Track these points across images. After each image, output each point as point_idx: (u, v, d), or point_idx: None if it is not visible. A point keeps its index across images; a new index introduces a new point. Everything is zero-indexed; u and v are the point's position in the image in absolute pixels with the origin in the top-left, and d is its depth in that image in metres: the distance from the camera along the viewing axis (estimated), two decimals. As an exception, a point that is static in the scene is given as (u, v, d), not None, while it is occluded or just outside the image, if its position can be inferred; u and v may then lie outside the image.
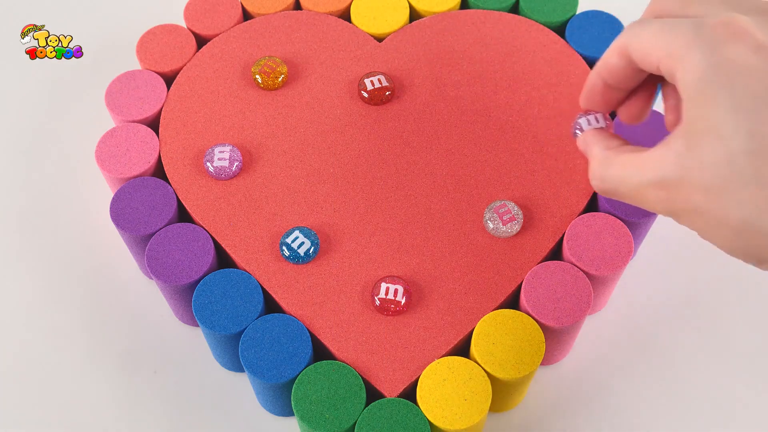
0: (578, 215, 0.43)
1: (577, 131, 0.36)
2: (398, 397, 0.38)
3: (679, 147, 0.28)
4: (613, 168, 0.32)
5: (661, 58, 0.30)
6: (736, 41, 0.28)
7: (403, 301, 0.40)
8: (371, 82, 0.46)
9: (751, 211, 0.27)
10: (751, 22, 0.28)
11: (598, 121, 0.37)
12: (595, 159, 0.34)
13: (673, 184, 0.29)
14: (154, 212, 0.42)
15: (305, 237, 0.41)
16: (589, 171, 0.34)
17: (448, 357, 0.38)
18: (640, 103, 0.36)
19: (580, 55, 0.48)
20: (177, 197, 0.43)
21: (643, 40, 0.31)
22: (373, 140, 0.46)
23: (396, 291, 0.40)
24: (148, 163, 0.44)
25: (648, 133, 0.45)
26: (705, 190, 0.28)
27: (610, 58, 0.33)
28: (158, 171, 0.45)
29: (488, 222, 0.42)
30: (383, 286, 0.40)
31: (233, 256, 0.42)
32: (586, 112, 0.37)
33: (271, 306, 0.42)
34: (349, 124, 0.46)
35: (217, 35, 0.49)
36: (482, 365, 0.38)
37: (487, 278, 0.41)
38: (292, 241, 0.41)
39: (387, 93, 0.46)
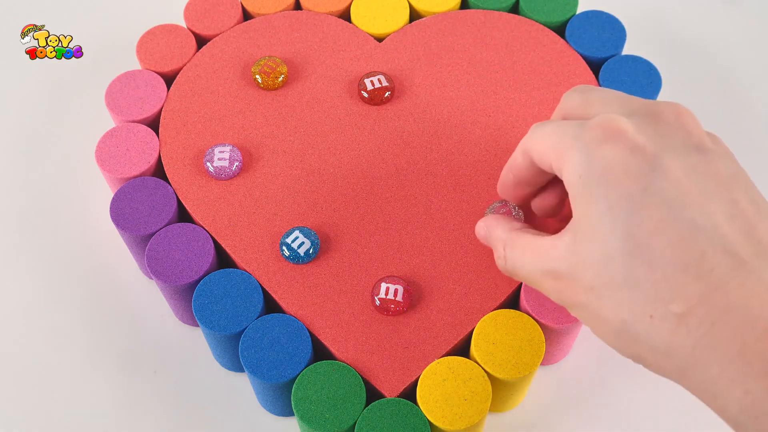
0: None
1: (488, 212, 0.39)
2: (398, 397, 0.38)
3: (568, 242, 0.29)
4: (516, 249, 0.33)
5: (552, 158, 0.31)
6: (613, 142, 0.28)
7: (403, 301, 0.40)
8: (371, 82, 0.46)
9: (627, 314, 0.27)
10: (629, 123, 0.29)
11: (505, 208, 0.39)
12: (499, 240, 0.35)
13: (563, 277, 0.30)
14: (154, 212, 0.42)
15: (305, 237, 0.41)
16: (495, 253, 0.35)
17: (448, 357, 0.38)
18: (551, 198, 0.37)
19: (580, 55, 0.48)
20: (177, 197, 0.43)
21: (538, 142, 0.32)
22: (373, 140, 0.46)
23: (396, 291, 0.40)
24: (148, 163, 0.44)
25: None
26: (588, 288, 0.28)
27: (516, 156, 0.34)
28: (158, 171, 0.45)
29: None
30: (383, 286, 0.40)
31: (233, 256, 0.42)
32: (503, 203, 0.40)
33: (271, 306, 0.42)
34: (349, 124, 0.46)
35: (217, 35, 0.49)
36: (482, 365, 0.38)
37: (487, 278, 0.41)
38: (292, 241, 0.41)
39: (387, 93, 0.46)
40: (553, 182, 0.36)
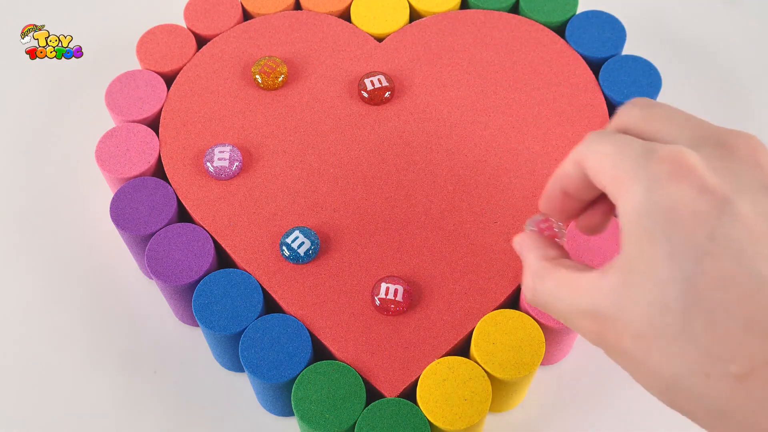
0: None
1: (525, 227, 0.35)
2: (398, 397, 0.38)
3: (615, 281, 0.27)
4: (547, 283, 0.30)
5: (608, 180, 0.28)
6: (681, 180, 0.26)
7: (402, 301, 0.40)
8: (371, 82, 0.46)
9: (679, 368, 0.25)
10: (700, 159, 0.26)
11: (548, 227, 0.35)
12: (530, 269, 0.32)
13: (605, 319, 0.27)
14: (154, 212, 0.42)
15: (305, 237, 0.41)
16: (522, 280, 0.32)
17: (448, 357, 0.38)
18: (597, 216, 0.33)
19: (580, 55, 0.48)
20: (177, 197, 0.43)
21: (596, 157, 0.29)
22: (373, 140, 0.46)
23: (396, 291, 0.40)
24: (148, 163, 0.44)
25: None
26: (636, 336, 0.26)
27: (567, 166, 0.31)
28: (158, 171, 0.45)
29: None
30: (383, 286, 0.40)
31: (233, 256, 0.42)
32: (545, 217, 0.35)
33: (271, 306, 0.42)
34: (349, 124, 0.46)
35: (217, 35, 0.49)
36: (482, 365, 0.38)
37: (487, 278, 0.41)
38: (292, 241, 0.41)
39: (387, 93, 0.46)
40: (601, 198, 0.33)
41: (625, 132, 0.31)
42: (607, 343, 0.28)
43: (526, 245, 0.33)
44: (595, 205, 0.33)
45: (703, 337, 0.25)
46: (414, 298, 0.40)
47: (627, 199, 0.27)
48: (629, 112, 0.31)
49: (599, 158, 0.29)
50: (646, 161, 0.27)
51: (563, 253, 0.32)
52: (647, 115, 0.30)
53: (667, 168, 0.26)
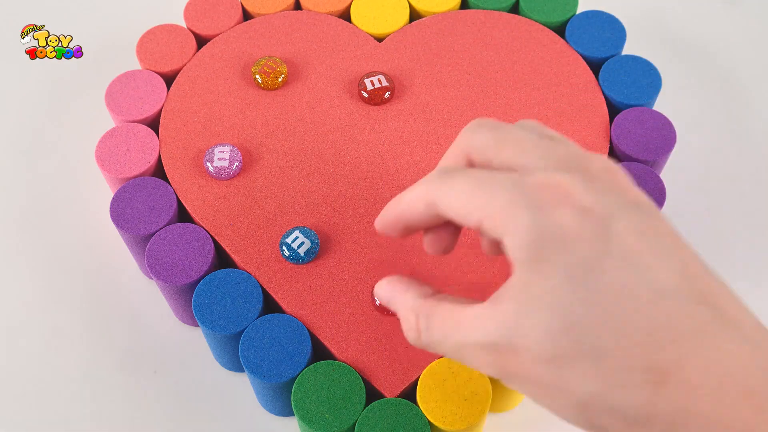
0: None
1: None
2: (398, 397, 0.38)
3: (510, 310, 0.26)
4: (434, 320, 0.30)
5: (483, 218, 0.27)
6: (562, 204, 0.26)
7: None
8: (371, 82, 0.46)
9: (594, 385, 0.25)
10: (574, 182, 0.27)
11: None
12: (410, 310, 0.31)
13: (503, 349, 0.27)
14: (154, 212, 0.42)
15: (305, 237, 0.41)
16: (402, 324, 0.31)
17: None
18: (448, 238, 0.33)
19: (580, 55, 0.48)
20: (177, 197, 0.43)
21: (455, 198, 0.28)
22: (373, 140, 0.46)
23: None
24: (148, 163, 0.44)
25: (649, 137, 0.45)
26: (541, 360, 0.26)
27: (415, 205, 0.30)
28: (158, 171, 0.45)
29: None
30: None
31: (233, 256, 0.42)
32: None
33: (271, 306, 0.42)
34: (349, 124, 0.46)
35: (217, 35, 0.49)
36: (482, 365, 0.38)
37: (488, 278, 0.41)
38: (292, 241, 0.41)
39: (387, 93, 0.46)
40: (448, 222, 0.32)
41: (473, 159, 0.30)
42: (508, 373, 0.27)
43: (397, 288, 0.32)
44: (443, 229, 0.32)
45: (614, 350, 0.25)
46: None
47: (514, 230, 0.27)
48: (477, 137, 0.30)
49: (462, 198, 0.28)
50: (522, 191, 0.27)
51: (438, 289, 0.32)
52: (498, 140, 0.29)
53: (546, 195, 0.27)
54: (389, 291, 0.32)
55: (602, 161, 0.29)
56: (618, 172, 0.29)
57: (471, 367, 0.29)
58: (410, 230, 0.32)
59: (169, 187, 0.43)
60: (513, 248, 0.27)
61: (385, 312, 0.40)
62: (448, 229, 0.32)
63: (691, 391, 0.25)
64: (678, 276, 0.26)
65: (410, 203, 0.30)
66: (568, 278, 0.26)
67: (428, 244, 0.33)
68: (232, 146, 0.44)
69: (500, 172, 0.28)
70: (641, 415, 0.25)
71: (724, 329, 0.26)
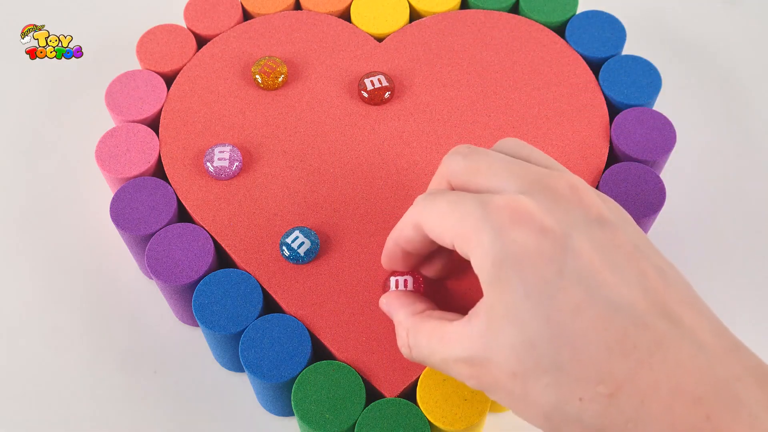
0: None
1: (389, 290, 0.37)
2: (398, 397, 0.38)
3: (481, 327, 0.29)
4: (420, 337, 0.32)
5: (454, 238, 0.30)
6: (521, 225, 0.28)
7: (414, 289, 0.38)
8: (371, 82, 0.46)
9: (555, 397, 0.27)
10: (533, 203, 0.29)
11: (406, 285, 0.37)
12: (401, 325, 0.34)
13: (479, 364, 0.29)
14: (154, 212, 0.42)
15: (305, 237, 0.41)
16: (397, 338, 0.34)
17: (448, 357, 0.38)
18: (442, 261, 0.36)
19: (580, 55, 0.48)
20: (177, 197, 0.43)
21: (434, 219, 0.31)
22: (373, 140, 0.46)
23: (406, 282, 0.38)
24: (148, 163, 0.44)
25: (649, 137, 0.45)
26: (511, 374, 0.28)
27: (405, 229, 0.33)
28: (158, 171, 0.45)
29: None
30: (392, 280, 0.38)
31: (233, 256, 0.42)
32: (393, 273, 0.37)
33: (271, 306, 0.42)
34: (349, 124, 0.46)
35: (217, 35, 0.49)
36: (482, 365, 0.38)
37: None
38: (292, 241, 0.41)
39: (387, 93, 0.46)
40: (439, 248, 0.35)
41: (452, 184, 0.33)
42: (487, 385, 0.29)
43: (394, 305, 0.35)
44: (436, 256, 0.36)
45: (571, 365, 0.27)
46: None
47: (478, 251, 0.28)
48: (452, 164, 0.32)
49: (438, 219, 0.30)
50: (485, 213, 0.29)
51: (431, 306, 0.34)
52: (470, 165, 0.32)
53: (507, 215, 0.28)
54: (387, 306, 0.35)
55: (567, 179, 0.30)
56: (583, 189, 0.30)
57: (457, 379, 0.31)
58: (410, 257, 0.35)
59: (169, 187, 0.43)
60: (478, 267, 0.29)
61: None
62: (441, 256, 0.36)
63: (641, 402, 0.26)
64: (635, 290, 0.28)
65: (401, 228, 0.33)
66: (527, 296, 0.27)
67: (425, 269, 0.36)
68: (232, 146, 0.44)
69: (471, 195, 0.30)
70: (597, 425, 0.27)
71: (679, 339, 0.27)
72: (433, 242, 0.33)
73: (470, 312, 0.30)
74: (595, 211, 0.29)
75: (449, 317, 0.32)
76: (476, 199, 0.29)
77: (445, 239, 0.30)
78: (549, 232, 0.28)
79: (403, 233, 0.33)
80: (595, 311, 0.27)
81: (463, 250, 0.30)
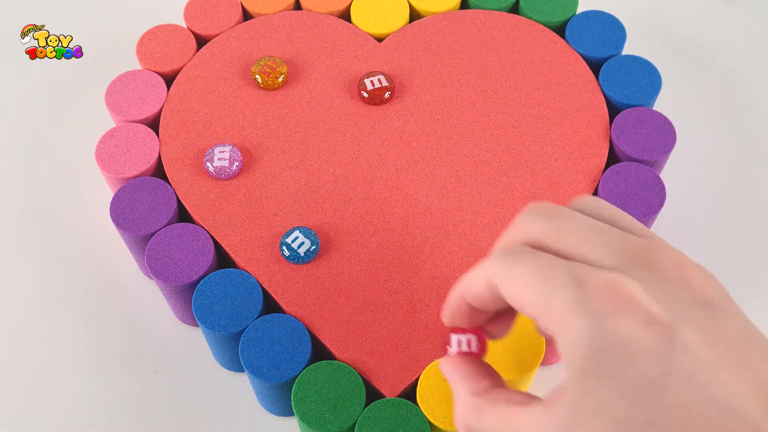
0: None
1: (449, 349, 0.32)
2: (398, 397, 0.38)
3: (563, 419, 0.25)
4: (484, 421, 0.28)
5: (539, 315, 0.26)
6: (625, 313, 0.25)
7: (477, 351, 0.33)
8: (371, 82, 0.46)
9: None
10: (639, 288, 0.25)
11: (470, 346, 0.32)
12: (461, 404, 0.30)
13: None
14: (154, 212, 0.42)
15: (305, 237, 0.41)
16: (454, 415, 0.30)
17: (448, 357, 0.38)
18: (507, 320, 0.32)
19: (580, 55, 0.48)
20: (177, 197, 0.43)
21: (515, 286, 0.27)
22: (373, 140, 0.46)
23: (469, 342, 0.33)
24: (148, 163, 0.44)
25: (649, 137, 0.45)
26: None
27: (475, 285, 0.29)
28: (158, 171, 0.45)
29: None
30: (454, 338, 0.33)
31: (233, 256, 0.42)
32: (455, 330, 0.32)
33: (271, 306, 0.42)
34: (349, 124, 0.46)
35: (217, 35, 0.49)
36: (482, 365, 0.38)
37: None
38: (292, 241, 0.41)
39: (387, 93, 0.46)
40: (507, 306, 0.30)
41: (534, 246, 0.28)
42: None
43: (454, 375, 0.31)
44: (504, 313, 0.31)
45: None
46: (413, 297, 0.40)
47: (570, 336, 0.25)
48: (532, 225, 0.28)
49: (520, 287, 0.27)
50: (581, 295, 0.25)
51: (495, 380, 0.30)
52: (556, 229, 0.28)
53: (608, 301, 0.25)
54: (447, 373, 0.31)
55: (671, 255, 0.27)
56: (688, 267, 0.27)
57: None
58: (476, 314, 0.31)
59: (169, 187, 0.43)
60: (567, 354, 0.25)
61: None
62: (509, 317, 0.31)
63: None
64: (748, 389, 0.25)
65: (470, 283, 0.30)
66: (627, 395, 0.24)
67: (489, 328, 0.32)
68: (232, 146, 0.44)
69: (563, 264, 0.26)
70: None
71: None
72: (503, 302, 0.29)
73: (549, 397, 0.26)
74: (702, 295, 0.26)
75: (517, 399, 0.28)
76: (570, 274, 0.26)
77: (527, 310, 0.27)
78: (655, 323, 0.25)
79: (472, 289, 0.29)
80: (703, 414, 0.24)
81: (548, 329, 0.26)
